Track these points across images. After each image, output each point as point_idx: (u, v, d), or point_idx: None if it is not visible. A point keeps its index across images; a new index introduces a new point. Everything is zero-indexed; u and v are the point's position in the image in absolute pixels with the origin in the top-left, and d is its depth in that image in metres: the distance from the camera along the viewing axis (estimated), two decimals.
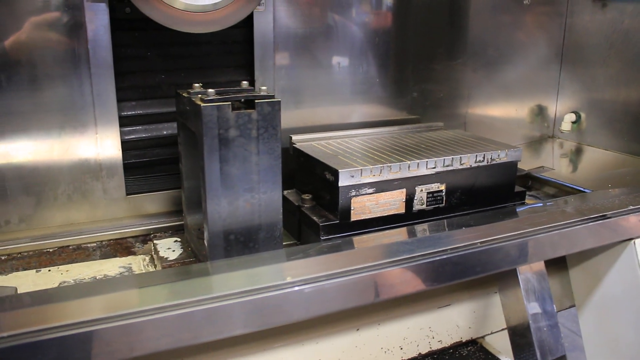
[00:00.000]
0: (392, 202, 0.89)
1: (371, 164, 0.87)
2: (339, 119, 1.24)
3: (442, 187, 0.93)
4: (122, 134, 1.01)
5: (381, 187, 0.88)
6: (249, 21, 1.05)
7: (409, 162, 0.89)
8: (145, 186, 1.06)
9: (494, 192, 0.99)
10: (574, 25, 1.50)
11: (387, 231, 0.88)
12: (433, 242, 0.76)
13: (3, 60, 0.89)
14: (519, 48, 1.48)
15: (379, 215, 0.89)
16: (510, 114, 1.53)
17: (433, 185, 0.92)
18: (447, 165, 0.92)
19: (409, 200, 0.91)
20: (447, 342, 0.96)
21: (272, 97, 0.79)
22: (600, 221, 0.88)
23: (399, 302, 0.89)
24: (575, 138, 1.52)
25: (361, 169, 0.86)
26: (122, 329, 0.55)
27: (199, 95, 0.79)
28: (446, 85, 1.39)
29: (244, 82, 0.86)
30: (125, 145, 1.02)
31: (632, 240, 0.92)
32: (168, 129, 1.07)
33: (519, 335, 0.87)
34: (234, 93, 0.80)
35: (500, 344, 1.01)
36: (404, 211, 0.91)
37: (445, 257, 0.74)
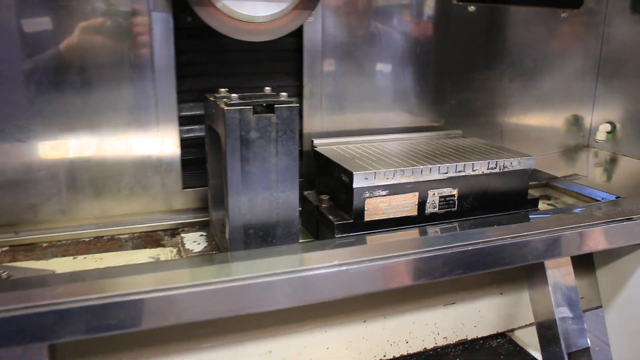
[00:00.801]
0: (404, 205, 0.93)
1: (385, 168, 0.91)
2: (379, 124, 1.29)
3: (455, 192, 0.96)
4: (180, 132, 1.08)
5: (394, 189, 0.92)
6: (299, 31, 1.12)
7: (421, 166, 0.93)
8: (199, 181, 1.13)
9: (506, 199, 1.01)
10: (611, 36, 1.51)
11: (402, 231, 0.92)
12: (465, 235, 0.81)
13: (80, 63, 0.97)
14: (556, 59, 1.50)
15: (392, 217, 0.93)
16: (546, 123, 1.54)
17: (445, 189, 0.95)
18: (459, 171, 0.95)
19: (422, 204, 0.94)
20: (478, 334, 1.00)
21: (291, 102, 0.85)
22: (626, 222, 0.90)
23: (424, 293, 0.94)
24: (610, 148, 1.52)
25: (375, 172, 0.90)
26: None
27: (224, 100, 0.85)
28: (484, 94, 1.43)
29: (267, 88, 0.92)
30: (184, 143, 1.10)
31: None
32: None
33: (546, 328, 0.92)
34: (256, 98, 0.86)
35: (528, 339, 1.05)
36: (416, 213, 0.94)
37: (478, 247, 0.79)
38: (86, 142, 1.01)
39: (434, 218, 0.96)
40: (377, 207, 0.91)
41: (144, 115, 1.04)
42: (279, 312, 0.87)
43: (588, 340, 0.89)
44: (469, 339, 1.00)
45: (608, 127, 1.52)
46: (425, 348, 0.94)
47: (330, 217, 0.93)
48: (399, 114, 1.31)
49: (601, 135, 1.52)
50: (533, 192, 1.30)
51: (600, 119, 1.55)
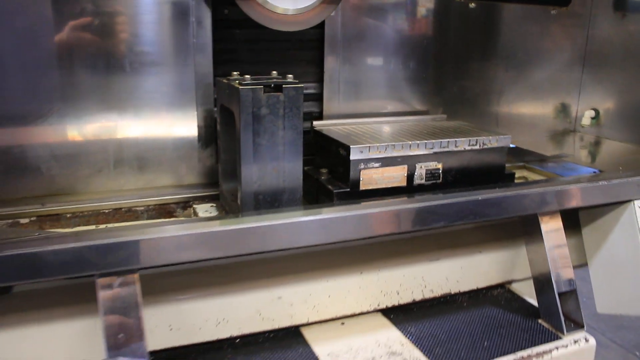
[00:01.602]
0: (395, 176, 1.06)
1: (378, 143, 1.05)
2: (389, 108, 1.44)
3: (439, 166, 1.09)
4: (215, 112, 1.20)
5: (386, 162, 1.05)
6: (321, 24, 1.25)
7: (410, 142, 1.06)
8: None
9: (486, 173, 1.13)
10: (595, 32, 1.63)
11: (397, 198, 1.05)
12: (464, 192, 0.95)
13: (130, 49, 1.10)
14: (546, 52, 1.63)
15: (383, 187, 1.05)
16: (537, 110, 1.68)
17: (431, 163, 1.08)
18: (444, 147, 1.08)
19: (410, 176, 1.07)
20: (476, 285, 1.14)
21: (297, 83, 0.97)
22: (605, 182, 1.06)
23: (415, 248, 1.07)
24: (594, 132, 1.64)
25: (369, 146, 1.03)
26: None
27: (237, 81, 0.99)
28: (481, 83, 1.58)
29: (274, 72, 1.05)
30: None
31: (632, 202, 1.08)
32: None
33: (540, 274, 1.06)
34: (266, 80, 0.99)
35: (525, 290, 1.18)
36: (405, 184, 1.07)
37: (476, 198, 0.93)
38: (132, 121, 1.14)
39: (421, 189, 1.09)
40: (371, 178, 1.04)
41: (184, 97, 1.16)
42: (288, 263, 1.01)
43: (575, 283, 1.03)
44: (471, 289, 1.13)
45: (592, 113, 1.64)
46: (414, 299, 1.07)
47: (329, 186, 1.06)
48: (406, 99, 1.45)
49: (586, 120, 1.64)
50: (521, 170, 1.44)
51: (585, 106, 1.67)
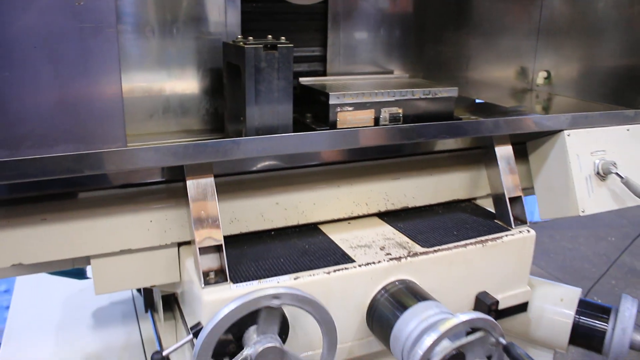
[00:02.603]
0: (364, 118, 1.33)
1: (352, 91, 1.33)
2: (377, 69, 1.78)
3: (400, 111, 1.36)
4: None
5: (358, 107, 1.31)
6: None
7: (376, 91, 1.35)
8: None
9: (438, 117, 1.41)
10: (548, 8, 1.96)
11: None
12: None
13: (173, 17, 1.39)
14: (507, 24, 1.96)
15: (355, 126, 1.32)
16: (500, 73, 2.01)
17: (393, 108, 1.36)
18: (403, 95, 1.36)
19: (377, 118, 1.34)
20: (449, 198, 1.49)
21: (288, 43, 1.22)
22: (541, 116, 1.40)
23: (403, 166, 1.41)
24: (547, 90, 1.98)
25: (344, 93, 1.30)
26: None
27: (241, 42, 1.23)
28: (453, 49, 1.91)
29: (269, 36, 1.34)
30: None
31: (563, 131, 1.42)
32: None
33: (496, 185, 1.40)
34: (264, 41, 1.23)
35: (486, 204, 1.52)
36: (373, 125, 1.34)
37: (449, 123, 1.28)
38: (177, 81, 1.44)
39: None
40: (345, 119, 1.32)
41: (214, 60, 1.45)
42: (309, 177, 1.33)
43: (521, 191, 1.39)
44: (446, 201, 1.48)
45: (545, 74, 1.98)
46: (402, 207, 1.42)
47: (313, 125, 1.32)
48: (394, 63, 1.79)
49: (540, 80, 1.98)
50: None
51: (539, 68, 2.01)
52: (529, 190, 1.59)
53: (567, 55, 1.93)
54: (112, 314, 1.84)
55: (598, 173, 1.42)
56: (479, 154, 1.49)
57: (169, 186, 1.21)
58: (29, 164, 0.90)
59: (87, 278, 1.77)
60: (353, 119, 1.33)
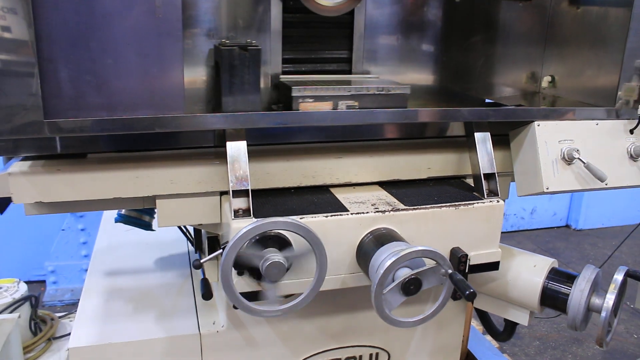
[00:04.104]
0: (324, 108, 1.56)
1: (314, 86, 1.59)
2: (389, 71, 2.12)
3: (356, 103, 1.60)
4: (282, 68, 1.87)
5: (318, 99, 1.55)
6: (352, 11, 1.88)
7: (333, 86, 1.60)
8: None
9: None
10: (554, 19, 2.24)
11: None
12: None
13: (232, 24, 1.84)
14: (517, 35, 2.26)
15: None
16: (513, 78, 2.29)
17: (350, 101, 1.60)
18: (359, 90, 1.59)
19: (335, 109, 1.58)
20: (443, 174, 1.83)
21: (257, 46, 1.50)
22: (519, 107, 1.72)
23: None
24: (552, 92, 2.26)
25: (305, 87, 1.55)
26: None
27: (222, 45, 1.57)
28: (470, 57, 2.21)
29: (248, 40, 1.69)
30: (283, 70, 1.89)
31: (533, 122, 1.72)
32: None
33: (475, 165, 1.73)
34: (238, 43, 1.57)
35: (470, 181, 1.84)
36: None
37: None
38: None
39: None
40: (306, 108, 1.58)
41: (263, 57, 1.82)
42: (323, 152, 1.72)
43: (494, 167, 1.71)
44: (437, 177, 1.81)
45: (549, 78, 2.26)
46: (398, 179, 1.77)
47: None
48: (403, 64, 2.14)
49: (545, 84, 2.27)
50: None
51: (546, 73, 2.30)
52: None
53: (570, 63, 2.20)
54: (172, 263, 2.29)
55: (563, 158, 1.71)
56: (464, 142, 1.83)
57: (216, 150, 1.64)
58: (120, 122, 1.35)
59: (153, 230, 2.22)
60: (313, 109, 1.59)
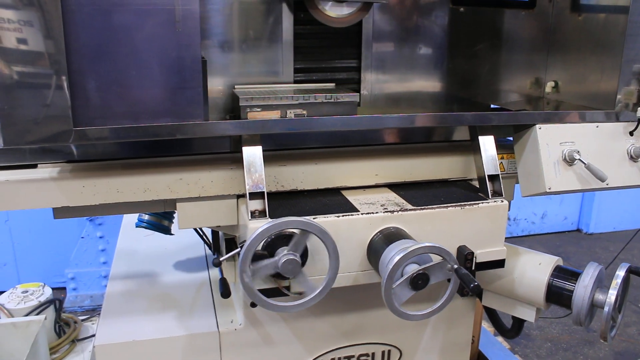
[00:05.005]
0: (273, 117, 1.62)
1: (262, 96, 1.61)
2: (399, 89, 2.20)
3: (305, 112, 1.63)
4: (294, 77, 1.96)
5: (265, 108, 1.60)
6: (359, 22, 1.95)
7: (282, 95, 1.63)
8: None
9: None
10: (556, 27, 2.31)
11: None
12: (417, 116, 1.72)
13: (244, 37, 1.95)
14: (520, 43, 2.33)
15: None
16: (519, 83, 2.36)
17: (298, 110, 1.63)
18: (307, 99, 1.63)
19: (283, 117, 1.62)
20: (449, 176, 1.91)
21: (203, 58, 1.56)
22: (521, 111, 1.78)
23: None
24: (556, 97, 2.33)
25: (252, 97, 1.58)
26: None
27: None
28: (477, 64, 2.28)
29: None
30: (295, 79, 1.98)
31: (535, 125, 1.80)
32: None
33: (480, 167, 1.80)
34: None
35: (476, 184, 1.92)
36: None
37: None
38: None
39: None
40: (255, 117, 1.61)
41: (276, 69, 1.92)
42: (337, 156, 1.80)
43: (499, 169, 1.79)
44: (443, 179, 1.89)
45: (553, 84, 2.33)
46: (406, 181, 1.85)
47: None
48: (410, 71, 2.22)
49: (548, 89, 2.34)
50: None
51: (549, 79, 2.37)
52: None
53: (572, 69, 2.27)
54: (190, 266, 2.39)
55: (565, 159, 1.78)
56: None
57: (233, 155, 1.73)
58: (144, 129, 1.44)
59: (172, 234, 2.31)
60: (262, 118, 1.62)
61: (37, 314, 2.39)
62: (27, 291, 2.50)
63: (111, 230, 4.20)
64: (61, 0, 1.32)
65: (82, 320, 2.68)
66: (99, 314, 2.01)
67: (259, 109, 1.61)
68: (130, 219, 2.75)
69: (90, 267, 4.24)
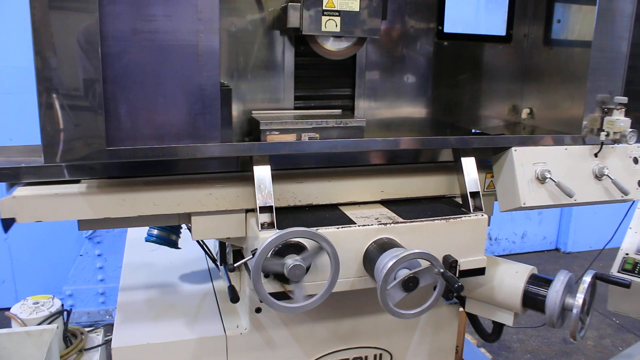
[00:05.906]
0: (289, 140, 1.82)
1: (279, 121, 1.86)
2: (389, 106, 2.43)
3: (317, 135, 1.84)
4: (294, 104, 2.18)
5: (283, 132, 1.79)
6: (354, 55, 2.15)
7: (297, 120, 1.87)
8: None
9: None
10: (531, 59, 2.57)
11: None
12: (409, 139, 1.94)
13: (255, 66, 2.16)
14: (499, 73, 2.58)
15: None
16: (498, 110, 2.60)
17: (311, 133, 1.85)
18: (320, 124, 1.84)
19: (299, 140, 1.83)
20: (435, 193, 2.12)
21: (228, 86, 1.81)
22: (498, 135, 2.00)
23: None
24: (531, 123, 2.56)
25: (272, 121, 1.80)
26: None
27: None
28: (459, 93, 2.52)
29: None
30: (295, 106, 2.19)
31: (511, 148, 2.02)
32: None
33: (462, 184, 2.02)
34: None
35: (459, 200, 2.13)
36: None
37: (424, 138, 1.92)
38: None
39: None
40: (273, 140, 1.82)
41: (278, 95, 2.14)
42: (336, 176, 2.01)
43: (479, 186, 2.00)
44: (430, 196, 2.10)
45: (528, 110, 2.57)
46: (397, 198, 2.06)
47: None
48: (399, 100, 2.45)
49: (524, 115, 2.58)
50: None
51: (525, 106, 2.61)
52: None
53: (546, 96, 2.51)
54: (194, 277, 2.56)
55: (537, 178, 2.01)
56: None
57: (242, 174, 1.92)
58: (167, 150, 1.64)
59: (179, 248, 2.48)
60: (280, 140, 1.82)
61: (49, 323, 2.53)
62: (38, 302, 2.63)
63: (109, 248, 4.34)
64: (100, 37, 1.52)
65: (88, 331, 2.82)
66: (104, 326, 2.17)
67: (277, 132, 1.82)
68: (134, 235, 2.92)
69: (88, 284, 4.36)
